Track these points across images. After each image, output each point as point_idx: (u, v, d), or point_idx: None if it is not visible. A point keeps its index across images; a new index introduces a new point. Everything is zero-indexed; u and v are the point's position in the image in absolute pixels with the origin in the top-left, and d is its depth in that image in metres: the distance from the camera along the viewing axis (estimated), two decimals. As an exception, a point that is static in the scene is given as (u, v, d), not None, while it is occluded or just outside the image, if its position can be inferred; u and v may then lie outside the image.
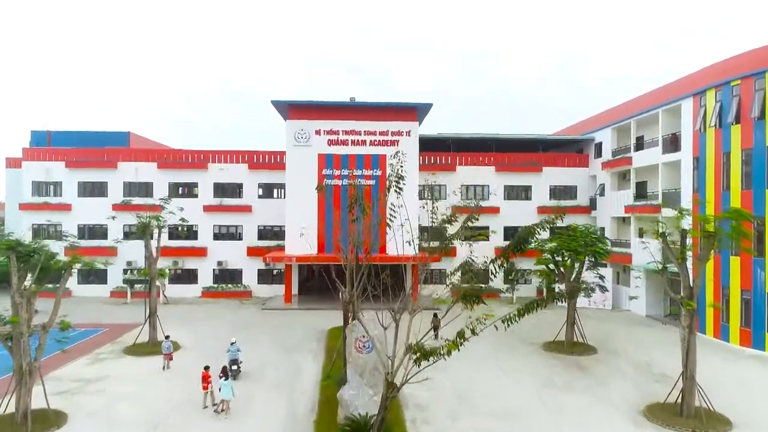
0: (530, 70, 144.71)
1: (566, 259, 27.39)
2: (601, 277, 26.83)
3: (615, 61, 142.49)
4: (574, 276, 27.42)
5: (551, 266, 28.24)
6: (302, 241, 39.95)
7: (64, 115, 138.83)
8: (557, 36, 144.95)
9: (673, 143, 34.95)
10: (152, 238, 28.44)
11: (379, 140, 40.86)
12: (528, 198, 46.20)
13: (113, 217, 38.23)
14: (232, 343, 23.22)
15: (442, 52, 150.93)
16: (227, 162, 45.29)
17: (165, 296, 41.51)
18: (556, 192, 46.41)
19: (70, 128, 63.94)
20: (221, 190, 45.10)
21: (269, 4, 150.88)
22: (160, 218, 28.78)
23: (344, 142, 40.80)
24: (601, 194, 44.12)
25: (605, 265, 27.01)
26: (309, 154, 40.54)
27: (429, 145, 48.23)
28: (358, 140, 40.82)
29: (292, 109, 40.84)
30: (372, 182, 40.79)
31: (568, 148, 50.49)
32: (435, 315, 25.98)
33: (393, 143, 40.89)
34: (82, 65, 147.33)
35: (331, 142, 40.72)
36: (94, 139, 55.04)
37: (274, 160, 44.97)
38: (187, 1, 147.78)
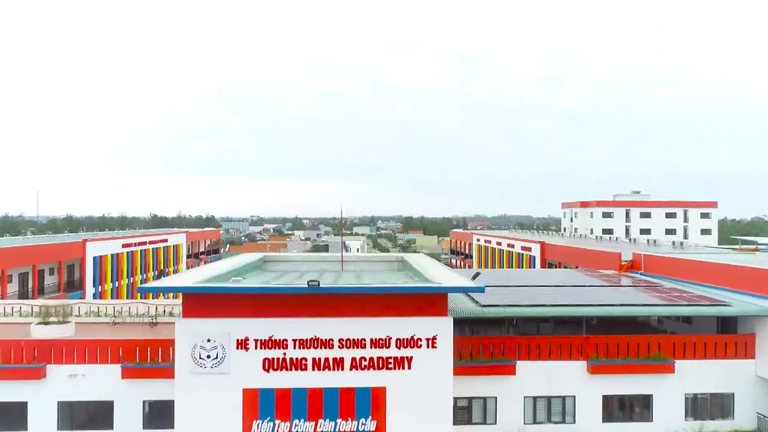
0: (528, 71, 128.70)
1: None
2: None
3: (613, 61, 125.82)
4: None
5: None
6: None
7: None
8: (554, 38, 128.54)
9: None
10: None
11: (373, 359, 19.72)
12: (647, 418, 25.04)
13: None
14: None
15: (441, 53, 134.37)
16: (83, 362, 23.76)
17: None
18: (698, 405, 25.28)
19: None
20: (72, 415, 23.60)
21: (270, 5, 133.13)
22: None
23: (299, 365, 19.60)
24: (799, 431, 23.04)
25: None
26: (223, 388, 19.35)
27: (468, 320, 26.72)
28: (327, 360, 19.64)
29: (187, 302, 19.67)
30: (357, 445, 19.66)
31: (702, 326, 28.71)
32: None
33: (401, 363, 19.78)
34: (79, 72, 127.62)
35: (271, 365, 19.53)
36: None
37: (171, 358, 23.51)
38: (189, 3, 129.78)
